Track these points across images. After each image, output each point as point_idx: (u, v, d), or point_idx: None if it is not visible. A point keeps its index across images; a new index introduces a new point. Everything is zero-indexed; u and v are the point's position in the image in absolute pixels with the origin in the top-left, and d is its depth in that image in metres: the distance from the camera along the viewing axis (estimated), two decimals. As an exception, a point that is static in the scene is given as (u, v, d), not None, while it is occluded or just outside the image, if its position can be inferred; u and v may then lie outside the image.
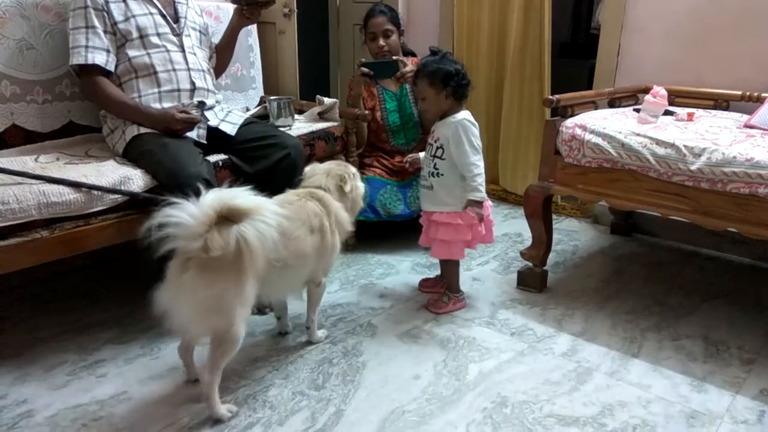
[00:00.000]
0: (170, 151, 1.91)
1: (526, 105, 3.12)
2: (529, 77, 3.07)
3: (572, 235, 2.86)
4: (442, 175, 2.03)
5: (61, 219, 1.73)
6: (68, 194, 1.71)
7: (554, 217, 2.32)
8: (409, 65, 2.50)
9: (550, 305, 2.19)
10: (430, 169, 2.06)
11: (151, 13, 2.09)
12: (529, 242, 2.31)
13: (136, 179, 1.86)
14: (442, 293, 2.19)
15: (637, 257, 2.62)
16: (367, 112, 2.60)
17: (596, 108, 2.34)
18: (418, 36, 3.42)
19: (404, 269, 2.48)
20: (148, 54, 2.06)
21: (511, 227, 2.96)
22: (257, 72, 2.84)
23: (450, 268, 2.18)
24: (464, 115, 2.00)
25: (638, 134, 1.95)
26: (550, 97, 2.13)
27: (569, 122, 2.11)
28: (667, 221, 2.51)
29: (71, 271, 2.39)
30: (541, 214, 2.22)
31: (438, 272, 2.31)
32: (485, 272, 2.46)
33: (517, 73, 3.10)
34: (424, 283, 2.32)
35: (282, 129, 2.32)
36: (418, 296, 2.25)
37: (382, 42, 2.59)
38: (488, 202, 2.09)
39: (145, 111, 2.01)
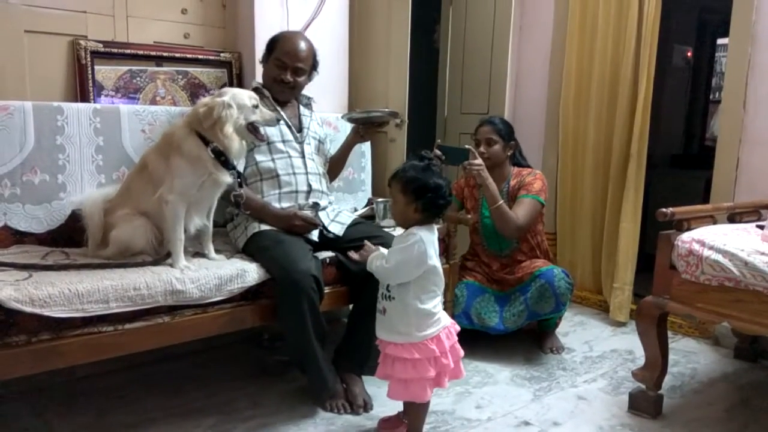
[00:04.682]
0: (284, 247, 2.04)
1: (624, 217, 3.03)
2: (628, 186, 3.00)
3: (690, 357, 2.64)
4: (394, 298, 1.79)
5: (183, 306, 1.86)
6: (190, 284, 1.85)
7: (669, 334, 2.16)
8: (478, 159, 2.50)
9: (666, 434, 2.00)
10: (382, 290, 1.84)
11: (279, 124, 2.32)
12: (641, 361, 2.16)
13: (251, 272, 1.98)
14: None
15: (765, 387, 2.36)
16: (469, 216, 2.64)
17: (714, 223, 2.23)
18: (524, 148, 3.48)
19: (503, 379, 2.38)
20: (273, 159, 2.27)
21: (621, 343, 2.78)
22: (367, 176, 3.00)
23: (414, 411, 1.88)
24: (426, 232, 1.77)
25: (763, 253, 1.82)
26: (664, 210, 2.05)
27: (686, 236, 2.01)
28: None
29: (182, 355, 2.52)
30: (655, 332, 2.08)
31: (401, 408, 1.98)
32: (592, 391, 2.31)
33: (619, 183, 3.05)
34: (385, 424, 1.97)
35: (387, 229, 2.42)
36: (518, 411, 2.14)
37: (483, 149, 2.66)
38: (455, 326, 1.87)
39: (271, 210, 2.19)
